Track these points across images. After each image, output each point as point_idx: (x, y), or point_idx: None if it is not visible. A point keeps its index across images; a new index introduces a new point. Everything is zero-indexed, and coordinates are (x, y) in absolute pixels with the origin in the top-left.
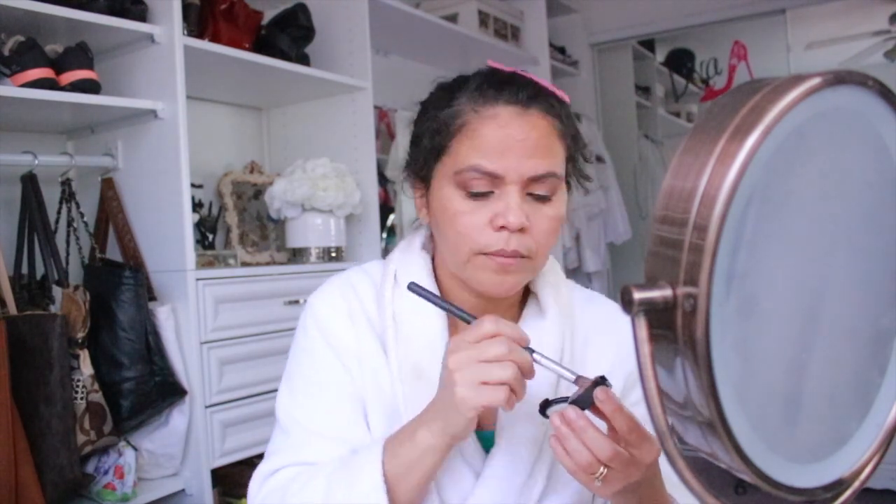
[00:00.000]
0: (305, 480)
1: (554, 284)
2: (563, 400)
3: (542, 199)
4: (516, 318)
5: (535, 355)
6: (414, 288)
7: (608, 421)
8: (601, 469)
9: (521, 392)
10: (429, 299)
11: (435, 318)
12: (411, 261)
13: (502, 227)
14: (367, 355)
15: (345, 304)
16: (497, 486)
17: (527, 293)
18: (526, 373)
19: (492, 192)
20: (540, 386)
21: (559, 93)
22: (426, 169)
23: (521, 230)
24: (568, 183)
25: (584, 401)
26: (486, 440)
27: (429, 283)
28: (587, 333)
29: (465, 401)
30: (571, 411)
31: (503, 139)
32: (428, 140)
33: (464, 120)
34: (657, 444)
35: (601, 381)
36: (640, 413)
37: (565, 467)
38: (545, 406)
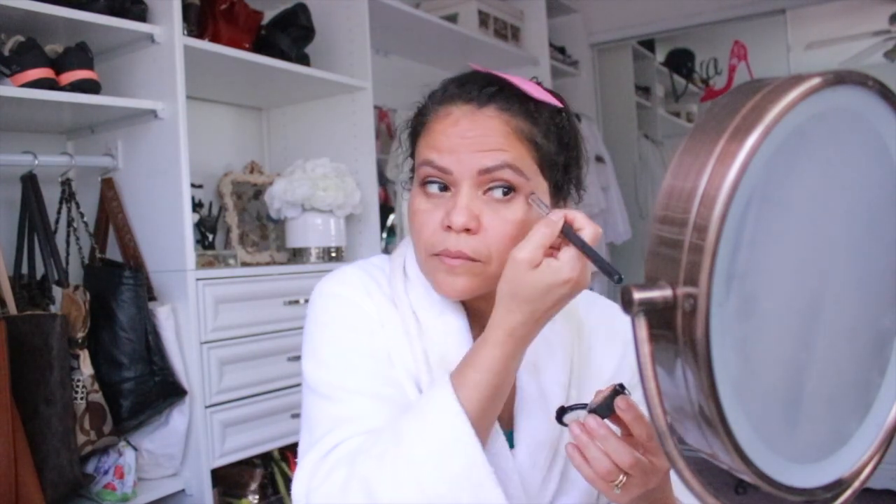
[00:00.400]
0: (374, 440)
1: None
2: (579, 406)
3: (503, 200)
4: None
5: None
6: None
7: (626, 429)
8: (621, 477)
9: None
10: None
11: (455, 314)
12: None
13: (449, 227)
14: (390, 323)
15: (360, 282)
16: (518, 483)
17: None
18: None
19: (448, 192)
20: (552, 385)
21: (540, 95)
22: (409, 173)
23: (468, 230)
24: (561, 189)
25: (603, 409)
26: (508, 440)
27: None
28: (591, 334)
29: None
30: (592, 421)
31: (452, 135)
32: (405, 145)
33: (425, 120)
34: None
35: (620, 389)
36: None
37: (583, 475)
38: (561, 413)
